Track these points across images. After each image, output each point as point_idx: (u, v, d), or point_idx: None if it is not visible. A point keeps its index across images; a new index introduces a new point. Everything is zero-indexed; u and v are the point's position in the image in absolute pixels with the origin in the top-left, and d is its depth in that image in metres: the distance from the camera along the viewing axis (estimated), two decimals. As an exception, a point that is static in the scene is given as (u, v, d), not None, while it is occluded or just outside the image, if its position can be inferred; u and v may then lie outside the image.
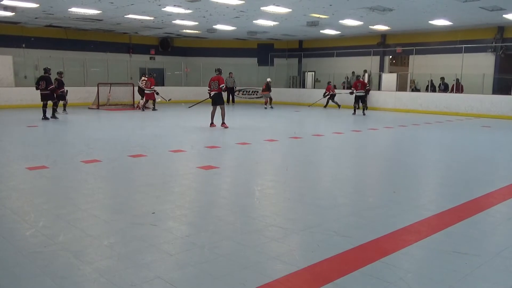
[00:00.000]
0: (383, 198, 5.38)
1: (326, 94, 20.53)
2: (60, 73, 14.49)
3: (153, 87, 17.03)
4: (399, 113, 18.35)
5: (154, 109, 17.48)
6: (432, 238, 3.82)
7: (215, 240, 3.67)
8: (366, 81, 19.50)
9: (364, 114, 16.80)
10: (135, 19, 18.00)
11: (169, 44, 25.31)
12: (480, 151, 9.19)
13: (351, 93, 17.35)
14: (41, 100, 13.18)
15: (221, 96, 11.73)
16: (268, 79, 20.77)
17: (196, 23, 19.18)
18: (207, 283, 2.92)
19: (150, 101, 17.54)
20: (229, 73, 22.16)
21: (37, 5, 14.85)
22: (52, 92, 13.30)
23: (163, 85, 23.11)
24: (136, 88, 18.41)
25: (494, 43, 18.58)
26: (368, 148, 9.57)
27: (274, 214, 4.50)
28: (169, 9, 15.67)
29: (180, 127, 12.42)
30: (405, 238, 3.81)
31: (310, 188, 5.74)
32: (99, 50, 22.48)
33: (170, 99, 18.45)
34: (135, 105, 18.24)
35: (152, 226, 3.97)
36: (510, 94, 16.63)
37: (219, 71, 11.81)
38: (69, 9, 15.69)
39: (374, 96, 20.54)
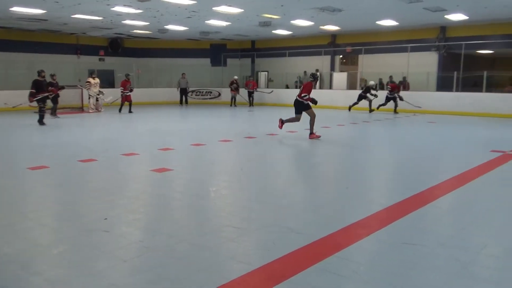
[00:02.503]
0: (337, 194, 5.51)
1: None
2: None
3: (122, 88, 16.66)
4: (350, 111, 18.83)
5: (130, 111, 16.80)
6: (383, 231, 3.95)
7: (170, 243, 3.62)
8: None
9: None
10: (82, 19, 17.45)
11: (119, 45, 24.72)
12: (426, 146, 9.60)
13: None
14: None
15: (301, 103, 10.21)
16: (235, 77, 21.30)
17: (147, 23, 18.85)
18: None
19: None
20: (182, 74, 21.96)
21: (-25, 4, 14.11)
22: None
23: (113, 87, 22.53)
24: (83, 90, 17.84)
25: (437, 42, 19.47)
26: (322, 145, 9.76)
27: (230, 214, 4.50)
28: (118, 9, 15.30)
29: (132, 130, 12.16)
30: (357, 232, 3.92)
31: (265, 187, 5.78)
32: (46, 52, 21.61)
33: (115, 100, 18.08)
34: (87, 108, 17.66)
35: (104, 232, 3.86)
36: (452, 91, 17.48)
37: (312, 76, 10.53)
38: (10, 8, 14.97)
39: (326, 95, 20.98)
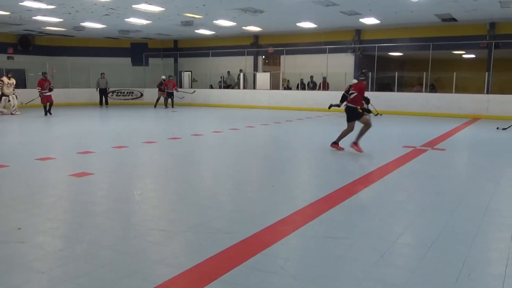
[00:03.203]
0: (262, 192, 5.61)
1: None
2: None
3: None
4: (274, 111, 19.27)
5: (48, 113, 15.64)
6: (307, 226, 4.09)
7: (92, 251, 3.46)
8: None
9: None
10: (-14, 14, 16.07)
11: (30, 43, 23.07)
12: (344, 143, 10.07)
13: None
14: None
15: (354, 110, 8.33)
16: (163, 77, 20.61)
17: (61, 20, 17.79)
18: (85, 297, 2.75)
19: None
20: (101, 73, 21.05)
21: None
22: None
23: (25, 87, 21.02)
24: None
25: (353, 44, 20.50)
26: (247, 145, 9.87)
27: (156, 217, 4.40)
28: (28, 3, 14.28)
29: (48, 133, 11.44)
30: (283, 228, 4.02)
31: (191, 188, 5.72)
32: None
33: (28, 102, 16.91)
34: None
35: (19, 244, 3.59)
36: (368, 91, 18.48)
37: (364, 75, 8.87)
38: None
39: (250, 95, 21.29)
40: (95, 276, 3.01)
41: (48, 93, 15.56)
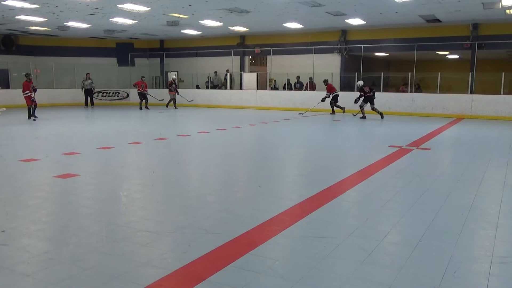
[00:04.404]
0: (250, 192, 5.61)
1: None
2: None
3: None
4: (261, 111, 19.29)
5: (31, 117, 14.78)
6: (295, 226, 4.10)
7: (78, 253, 3.42)
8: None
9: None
10: (-33, 13, 15.78)
11: (13, 42, 22.72)
12: (332, 143, 10.14)
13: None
14: None
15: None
16: (173, 77, 20.19)
17: (45, 19, 17.55)
18: (71, 300, 2.71)
19: None
20: (86, 73, 20.82)
21: None
22: None
23: (8, 87, 20.70)
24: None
25: (339, 45, 20.62)
26: (234, 145, 9.86)
27: (143, 218, 4.36)
28: (10, 3, 14.06)
29: (32, 134, 11.28)
30: (271, 228, 4.02)
31: (178, 189, 5.69)
32: None
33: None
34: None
35: (2, 246, 3.54)
36: (354, 91, 18.63)
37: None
38: None
39: (237, 95, 21.28)
40: (82, 279, 2.98)
41: (32, 95, 14.78)
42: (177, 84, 20.71)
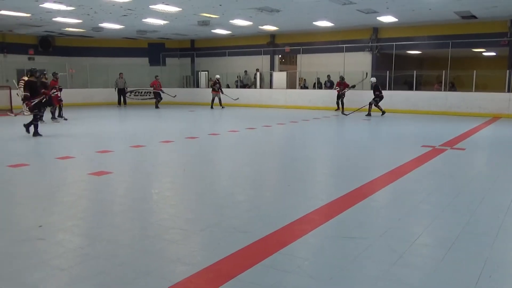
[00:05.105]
0: (279, 192, 5.60)
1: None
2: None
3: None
4: (290, 110, 19.22)
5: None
6: (325, 225, 4.07)
7: (111, 249, 3.50)
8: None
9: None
10: (8, 15, 16.39)
11: (50, 44, 23.49)
12: (362, 142, 10.00)
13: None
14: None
15: None
16: (217, 76, 20.29)
17: (80, 21, 18.06)
18: (104, 294, 2.78)
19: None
20: (119, 73, 21.30)
21: None
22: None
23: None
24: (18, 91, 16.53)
25: (370, 43, 20.31)
26: (263, 144, 9.86)
27: (173, 216, 4.43)
28: (48, 5, 14.53)
29: (67, 132, 11.61)
30: (301, 228, 4.00)
31: (208, 187, 5.74)
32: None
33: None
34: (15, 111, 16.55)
35: (39, 241, 3.66)
36: (386, 90, 18.30)
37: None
38: None
39: (266, 94, 21.27)
40: (114, 274, 3.05)
41: (59, 94, 14.69)
42: (220, 83, 20.66)
